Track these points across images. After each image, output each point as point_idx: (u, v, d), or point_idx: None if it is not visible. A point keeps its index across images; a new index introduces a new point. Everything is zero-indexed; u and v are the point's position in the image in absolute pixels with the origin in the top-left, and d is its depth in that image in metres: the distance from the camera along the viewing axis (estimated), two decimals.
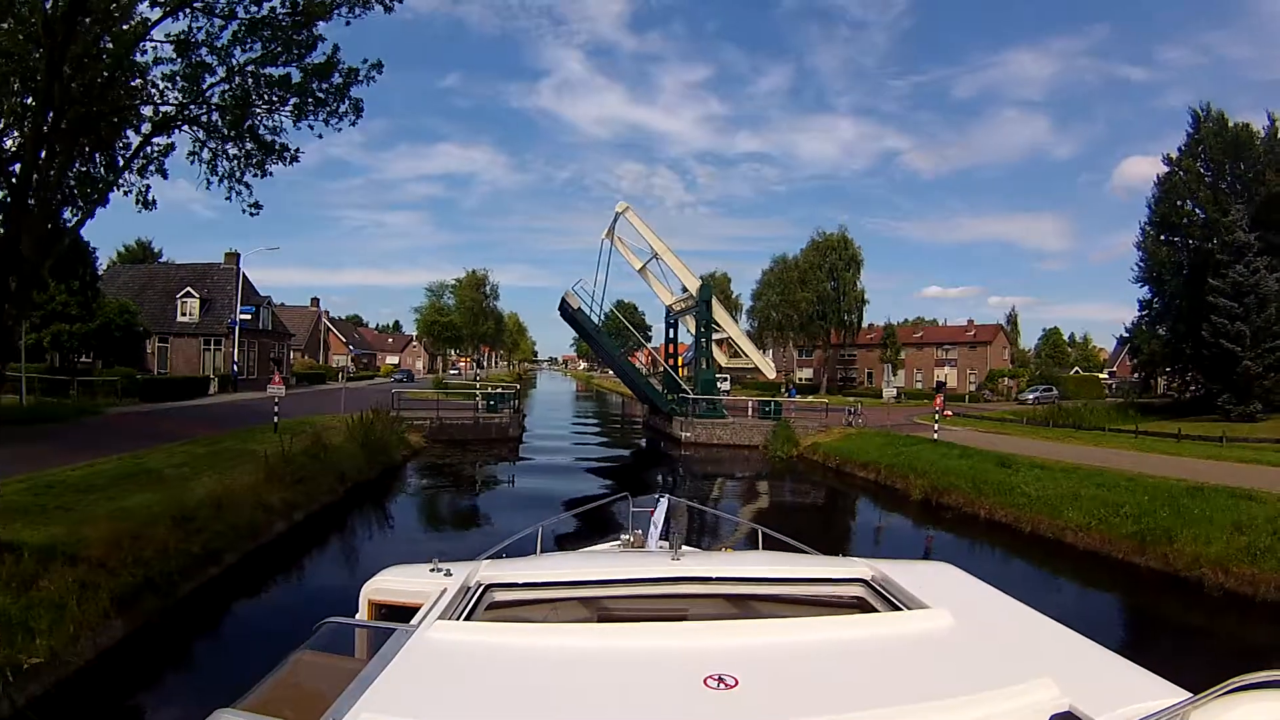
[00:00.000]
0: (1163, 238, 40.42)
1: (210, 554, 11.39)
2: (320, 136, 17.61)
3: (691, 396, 33.61)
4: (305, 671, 2.26)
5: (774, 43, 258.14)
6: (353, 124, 18.12)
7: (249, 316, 39.72)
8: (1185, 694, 1.71)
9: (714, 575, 3.16)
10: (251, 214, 18.52)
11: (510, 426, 30.71)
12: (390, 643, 2.22)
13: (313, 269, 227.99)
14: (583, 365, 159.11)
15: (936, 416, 27.07)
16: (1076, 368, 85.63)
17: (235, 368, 39.29)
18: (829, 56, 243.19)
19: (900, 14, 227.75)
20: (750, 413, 34.61)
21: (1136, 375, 52.29)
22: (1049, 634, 2.44)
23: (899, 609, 2.69)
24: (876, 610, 2.82)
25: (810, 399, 45.73)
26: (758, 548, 4.98)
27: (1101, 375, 77.35)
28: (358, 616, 3.29)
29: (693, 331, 37.57)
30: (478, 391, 34.03)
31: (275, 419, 22.06)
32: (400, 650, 2.15)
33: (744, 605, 3.13)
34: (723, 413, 33.83)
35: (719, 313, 36.11)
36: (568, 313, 34.38)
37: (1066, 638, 2.38)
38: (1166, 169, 40.67)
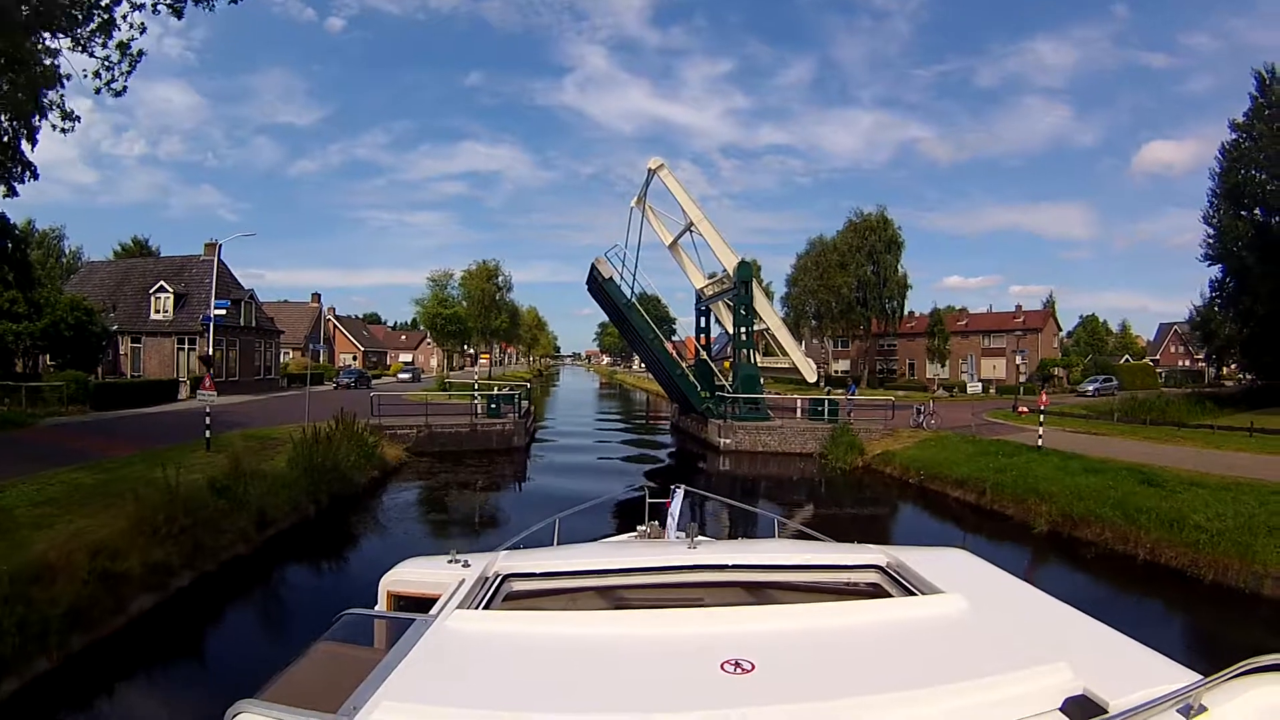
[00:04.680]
0: (1232, 212, 35.88)
1: None
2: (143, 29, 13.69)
3: (730, 395, 28.53)
4: (324, 661, 2.27)
5: (797, 34, 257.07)
6: (210, 8, 13.88)
7: (224, 311, 35.06)
8: (1197, 676, 1.73)
9: (730, 563, 3.16)
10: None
11: (514, 435, 25.85)
12: (409, 632, 2.23)
13: (336, 269, 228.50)
14: (606, 360, 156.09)
15: (1041, 419, 21.65)
16: (1127, 356, 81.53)
17: (210, 369, 34.85)
18: (852, 47, 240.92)
19: (922, 2, 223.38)
20: (799, 413, 29.39)
21: (1205, 362, 48.07)
22: (1063, 618, 2.42)
23: (914, 594, 2.67)
24: (892, 596, 2.78)
25: (844, 393, 40.21)
26: (774, 536, 5.20)
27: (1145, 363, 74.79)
28: (376, 608, 3.24)
29: (723, 321, 32.60)
30: (475, 393, 28.80)
31: (206, 434, 17.40)
32: (419, 639, 2.16)
33: (760, 592, 3.11)
34: (767, 414, 28.65)
35: (759, 300, 30.67)
36: (596, 284, 29.62)
37: (1080, 622, 2.37)
38: (1233, 135, 36.10)
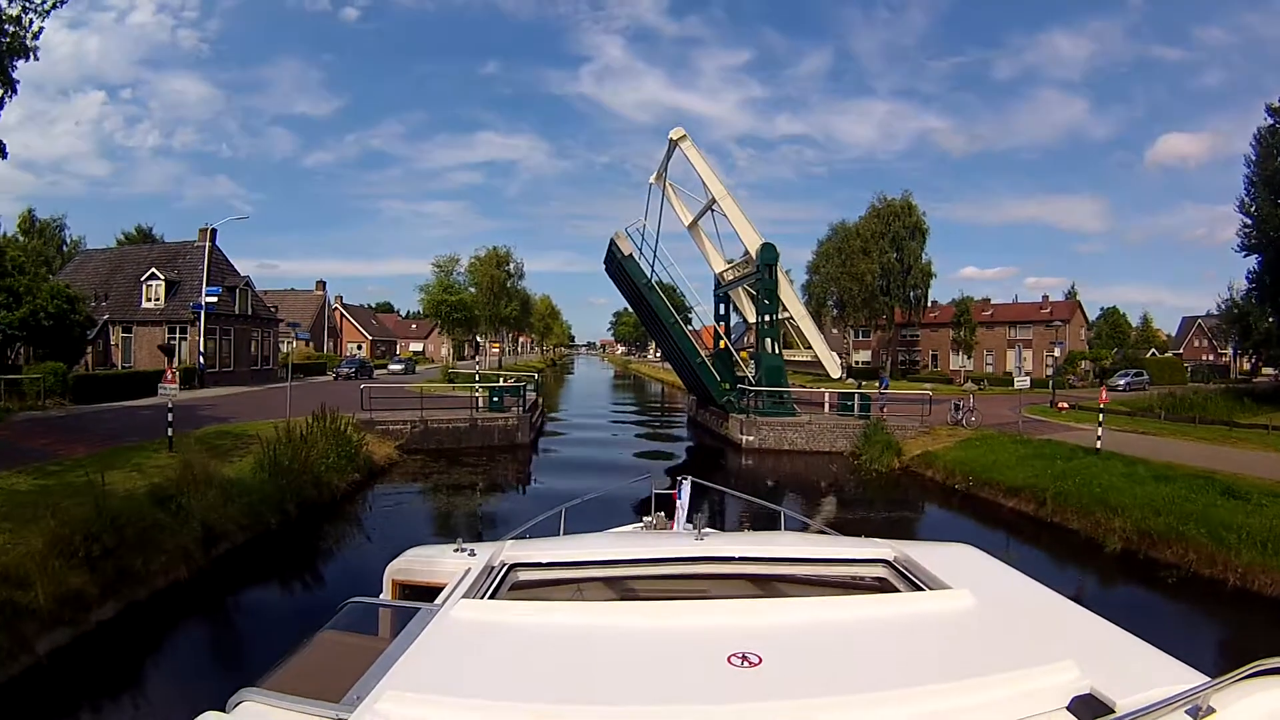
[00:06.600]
0: (1271, 200, 33.23)
1: None
2: None
3: (753, 388, 26.43)
4: (329, 650, 2.22)
5: (814, 25, 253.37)
6: None
7: (214, 299, 33.24)
8: (1205, 678, 1.65)
9: (737, 555, 3.10)
10: None
11: (518, 430, 23.89)
12: (414, 621, 2.18)
13: (351, 259, 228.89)
14: (620, 349, 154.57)
15: (1101, 418, 19.45)
16: (1153, 350, 79.26)
17: (201, 360, 33.07)
18: (868, 38, 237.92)
19: None
20: (827, 408, 27.26)
21: (1233, 357, 45.30)
22: (1070, 616, 2.35)
23: (921, 589, 2.62)
24: (899, 590, 2.74)
25: (875, 387, 37.96)
26: (780, 529, 4.96)
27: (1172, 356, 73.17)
28: (381, 596, 3.20)
29: (742, 309, 30.52)
30: (476, 384, 26.80)
31: (169, 432, 15.56)
32: (425, 629, 2.11)
33: (767, 585, 3.09)
34: (793, 409, 26.42)
35: (782, 286, 28.34)
36: (614, 262, 27.79)
37: (1088, 620, 2.29)
38: (1269, 121, 33.51)
